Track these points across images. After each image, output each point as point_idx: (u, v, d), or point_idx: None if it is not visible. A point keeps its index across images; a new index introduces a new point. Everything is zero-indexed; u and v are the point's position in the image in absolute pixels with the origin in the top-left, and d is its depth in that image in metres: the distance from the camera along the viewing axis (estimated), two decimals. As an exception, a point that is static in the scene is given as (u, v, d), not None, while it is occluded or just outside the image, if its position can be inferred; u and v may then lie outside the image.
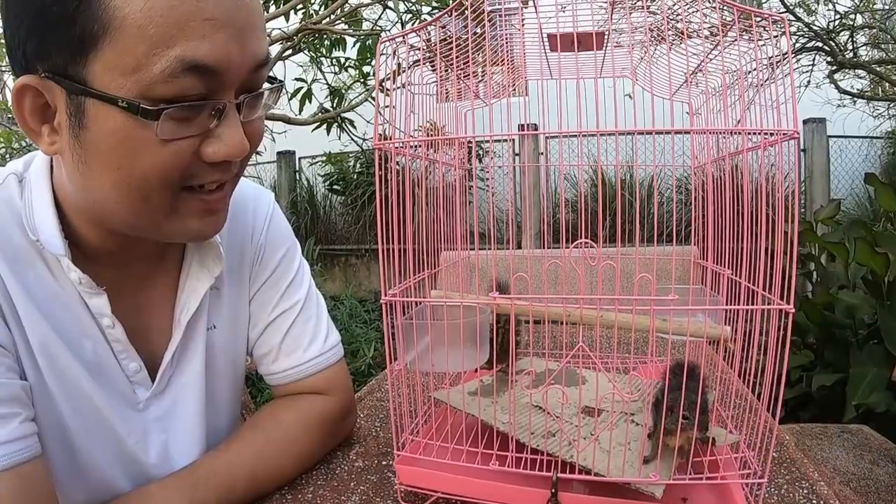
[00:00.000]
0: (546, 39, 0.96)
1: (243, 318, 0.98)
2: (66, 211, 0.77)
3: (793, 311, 0.68)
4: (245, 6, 0.67)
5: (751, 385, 0.77)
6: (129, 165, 0.67)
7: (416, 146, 0.88)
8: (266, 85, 0.75)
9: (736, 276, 0.85)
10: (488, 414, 0.90)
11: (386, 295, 0.83)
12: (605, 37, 0.94)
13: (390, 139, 0.83)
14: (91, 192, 0.71)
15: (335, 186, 8.21)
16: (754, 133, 0.75)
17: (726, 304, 0.85)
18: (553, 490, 0.73)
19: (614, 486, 0.76)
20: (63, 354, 0.77)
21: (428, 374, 0.98)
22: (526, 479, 0.78)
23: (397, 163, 0.83)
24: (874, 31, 6.50)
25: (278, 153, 8.43)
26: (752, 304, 0.73)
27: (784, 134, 0.73)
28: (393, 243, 0.80)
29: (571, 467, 0.77)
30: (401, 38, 0.84)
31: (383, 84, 0.85)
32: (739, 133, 0.82)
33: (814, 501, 0.83)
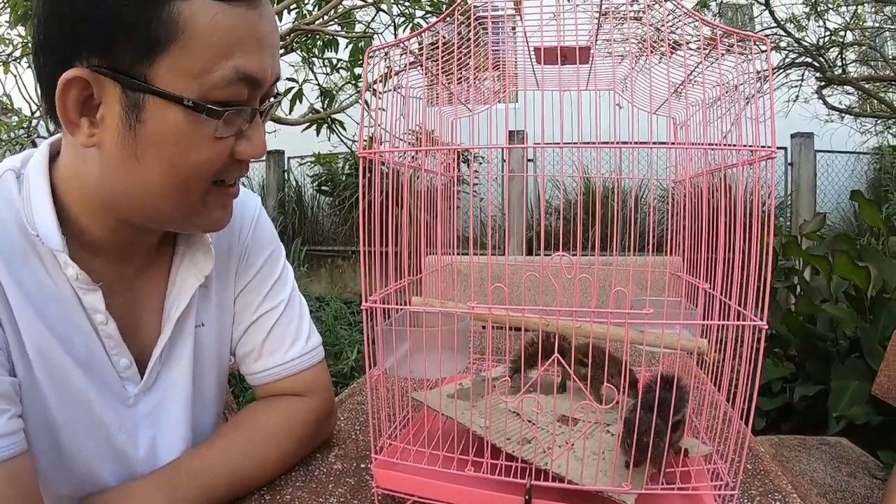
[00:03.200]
0: (532, 52, 0.97)
1: (229, 317, 1.00)
2: (66, 205, 0.79)
3: (766, 327, 0.69)
4: (277, 30, 0.78)
5: (726, 396, 0.78)
6: (181, 159, 0.73)
7: (401, 155, 0.89)
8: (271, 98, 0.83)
9: (713, 289, 0.86)
10: (465, 417, 0.91)
11: (367, 301, 0.83)
12: (591, 51, 0.95)
13: (377, 143, 0.84)
14: (131, 181, 0.75)
15: (323, 187, 8.20)
16: (735, 149, 0.76)
17: (701, 319, 0.86)
18: (527, 497, 0.74)
19: (585, 494, 0.77)
20: (55, 350, 0.78)
21: (407, 379, 0.99)
22: (501, 486, 0.79)
23: (382, 169, 0.84)
24: (864, 48, 6.57)
25: (268, 153, 8.33)
26: (726, 320, 0.74)
27: (764, 153, 0.74)
28: (375, 247, 0.81)
29: (546, 475, 0.78)
30: (388, 49, 0.85)
31: (373, 90, 0.87)
32: (721, 149, 0.83)
33: (785, 514, 0.84)
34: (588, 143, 0.73)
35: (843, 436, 2.06)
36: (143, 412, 0.88)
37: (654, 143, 0.77)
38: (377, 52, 0.85)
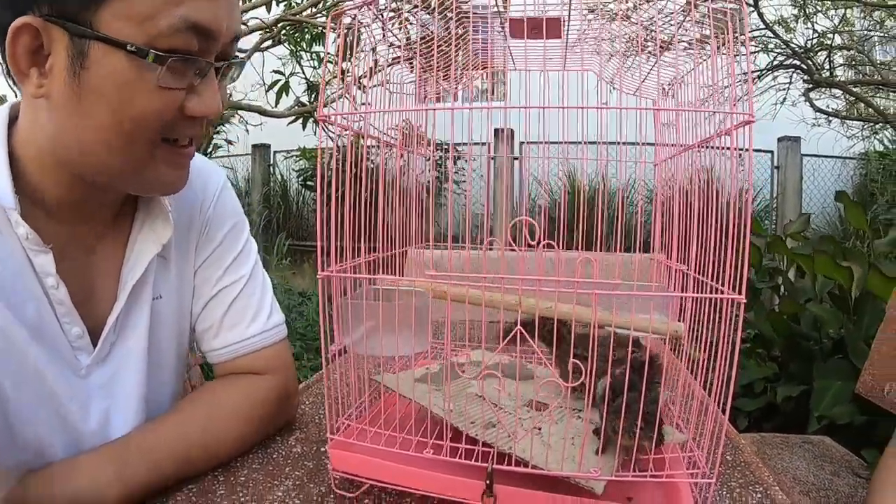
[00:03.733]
0: (508, 26, 0.93)
1: (188, 291, 0.99)
2: (23, 164, 0.78)
3: (744, 300, 0.65)
4: None
5: (702, 382, 0.73)
6: (124, 108, 0.71)
7: (360, 119, 0.84)
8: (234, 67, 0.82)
9: (692, 272, 0.81)
10: (427, 399, 0.85)
11: (323, 270, 0.78)
12: (568, 24, 0.91)
13: (364, 139, 0.80)
14: (78, 133, 0.74)
15: (308, 182, 8.14)
16: (710, 111, 0.71)
17: (679, 298, 0.81)
18: (488, 481, 0.68)
19: (553, 481, 0.71)
20: (4, 315, 0.75)
21: (371, 359, 0.94)
22: (462, 470, 0.74)
23: (341, 136, 0.80)
24: (851, 52, 6.58)
25: (253, 146, 8.33)
26: (703, 293, 0.69)
27: (741, 118, 0.68)
28: (335, 217, 0.76)
29: (510, 460, 0.72)
30: (355, 12, 0.81)
31: (345, 58, 0.83)
32: (695, 110, 0.78)
33: (766, 506, 0.79)
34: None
35: (826, 435, 2.02)
36: (96, 383, 0.85)
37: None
38: (348, 12, 0.81)
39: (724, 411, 0.67)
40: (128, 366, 0.89)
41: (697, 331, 0.74)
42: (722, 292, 0.68)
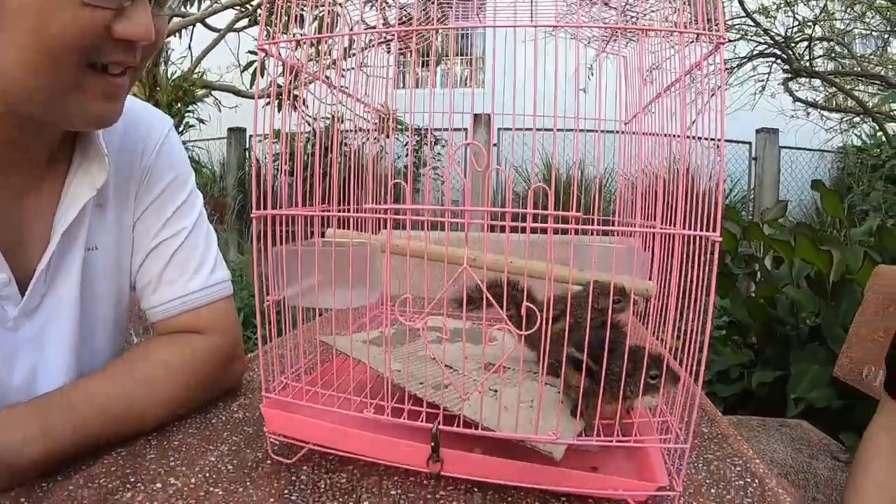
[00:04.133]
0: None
1: (127, 244, 0.94)
2: None
3: (720, 239, 0.57)
4: None
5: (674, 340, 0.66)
6: (45, 25, 0.66)
7: (300, 46, 0.76)
8: None
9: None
10: (377, 361, 0.77)
11: (258, 209, 0.71)
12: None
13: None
14: (2, 60, 0.68)
15: (285, 167, 8.02)
16: (675, 31, 0.63)
17: (649, 260, 0.73)
18: (433, 443, 0.60)
19: (511, 448, 0.64)
20: None
21: (319, 320, 0.86)
22: (409, 434, 0.66)
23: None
24: (832, 43, 6.57)
25: (228, 130, 8.20)
26: (677, 230, 0.61)
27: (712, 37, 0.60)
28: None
29: (461, 423, 0.64)
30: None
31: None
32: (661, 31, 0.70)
33: (748, 480, 0.72)
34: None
35: (803, 420, 1.98)
36: (24, 337, 0.82)
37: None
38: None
39: (699, 363, 0.59)
40: (58, 319, 0.84)
41: (667, 279, 0.66)
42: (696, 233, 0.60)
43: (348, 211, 0.95)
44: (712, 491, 0.69)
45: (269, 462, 0.74)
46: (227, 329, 0.95)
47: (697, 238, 0.61)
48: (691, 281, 0.62)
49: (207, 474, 0.71)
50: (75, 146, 0.86)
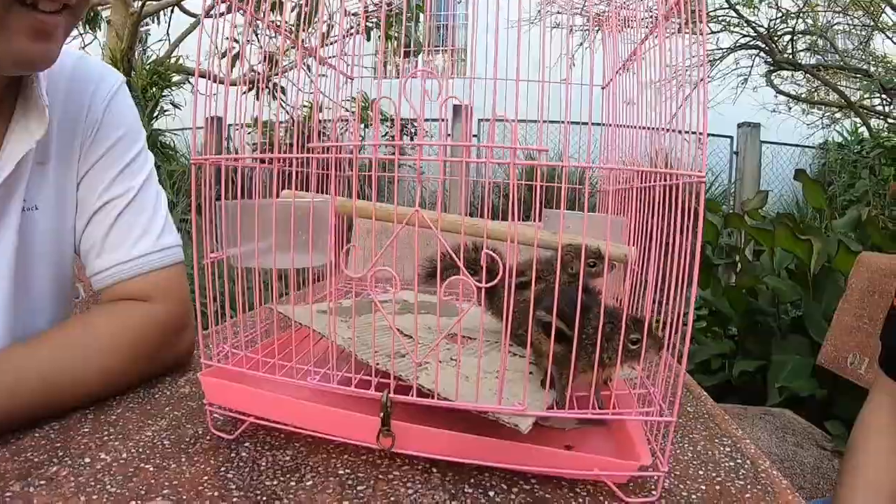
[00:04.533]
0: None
1: (70, 206, 0.89)
2: None
3: (703, 179, 0.50)
4: None
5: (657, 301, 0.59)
6: None
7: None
8: None
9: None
10: (326, 328, 0.69)
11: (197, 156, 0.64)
12: None
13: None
14: None
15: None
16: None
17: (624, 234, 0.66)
18: (383, 414, 0.52)
19: (473, 419, 0.56)
20: None
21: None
22: (359, 407, 0.58)
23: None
24: (815, 37, 6.56)
25: (207, 119, 8.07)
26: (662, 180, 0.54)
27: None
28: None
29: (419, 394, 0.56)
30: None
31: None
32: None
33: (738, 461, 0.65)
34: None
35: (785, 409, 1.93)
36: None
37: None
38: None
39: (685, 323, 0.52)
40: None
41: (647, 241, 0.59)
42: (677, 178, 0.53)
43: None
44: (700, 472, 0.62)
45: (208, 438, 0.67)
46: (176, 297, 0.89)
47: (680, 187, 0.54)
48: (674, 230, 0.55)
49: (141, 449, 0.64)
50: (17, 99, 0.81)
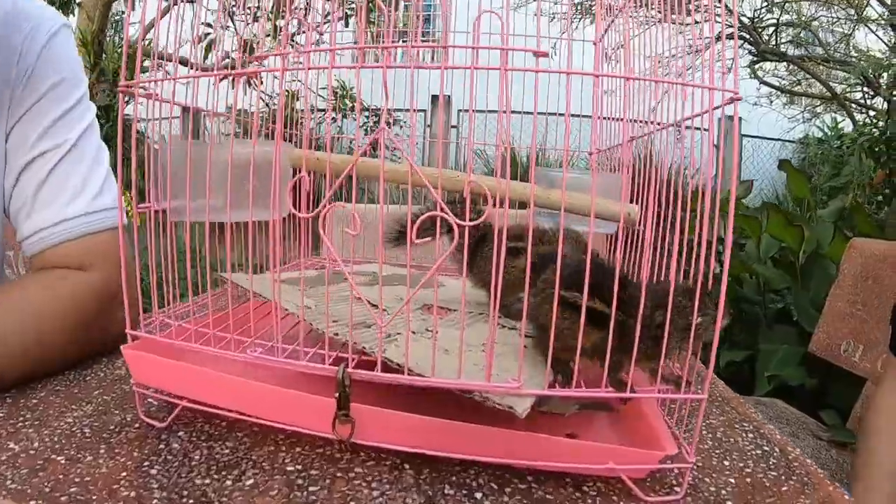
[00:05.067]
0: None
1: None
2: None
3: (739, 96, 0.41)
4: None
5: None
6: None
7: None
8: None
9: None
10: (288, 302, 0.58)
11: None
12: None
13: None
14: None
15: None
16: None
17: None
18: (338, 394, 0.42)
19: (456, 402, 0.45)
20: None
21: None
22: (314, 387, 0.47)
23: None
24: (799, 29, 6.55)
25: (183, 109, 7.92)
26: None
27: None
28: None
29: (387, 369, 0.45)
30: None
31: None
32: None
33: (765, 448, 0.56)
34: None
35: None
36: None
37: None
38: None
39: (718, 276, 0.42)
40: None
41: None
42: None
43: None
44: (725, 463, 0.52)
45: (136, 426, 0.57)
46: (115, 263, 0.77)
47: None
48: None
49: (56, 438, 0.55)
50: None
